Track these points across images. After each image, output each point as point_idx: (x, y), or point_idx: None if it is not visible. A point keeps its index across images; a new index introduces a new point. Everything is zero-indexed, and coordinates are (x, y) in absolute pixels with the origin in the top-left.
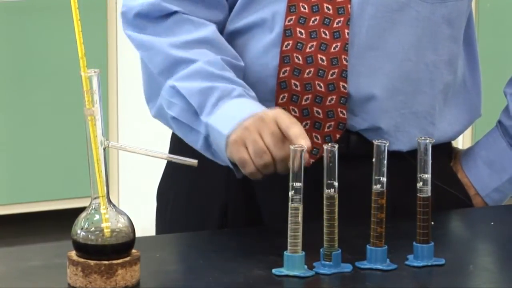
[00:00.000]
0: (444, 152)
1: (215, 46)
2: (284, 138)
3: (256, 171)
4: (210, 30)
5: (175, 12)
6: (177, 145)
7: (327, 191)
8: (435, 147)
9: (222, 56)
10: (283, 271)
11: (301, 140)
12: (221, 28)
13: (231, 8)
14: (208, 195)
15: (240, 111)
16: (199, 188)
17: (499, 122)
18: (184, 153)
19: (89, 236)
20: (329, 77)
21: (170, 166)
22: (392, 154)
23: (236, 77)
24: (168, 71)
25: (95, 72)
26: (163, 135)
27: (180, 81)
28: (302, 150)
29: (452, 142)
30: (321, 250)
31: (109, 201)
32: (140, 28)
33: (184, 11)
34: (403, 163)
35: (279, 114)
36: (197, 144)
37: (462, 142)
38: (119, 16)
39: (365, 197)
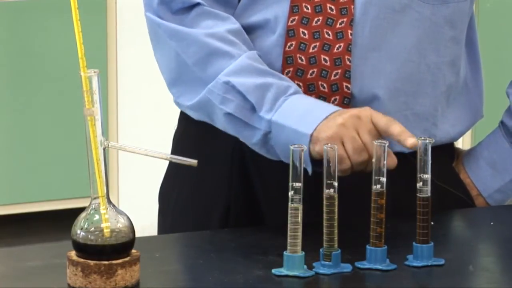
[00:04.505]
0: (446, 153)
1: (244, 40)
2: (379, 136)
3: (350, 167)
4: (235, 23)
5: (198, 4)
6: (179, 145)
7: (327, 191)
8: (437, 148)
9: (252, 50)
10: (282, 271)
11: (405, 135)
12: None
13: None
14: (210, 196)
15: (312, 108)
16: (202, 189)
17: (502, 122)
18: (186, 153)
19: (89, 236)
20: (332, 77)
21: (172, 167)
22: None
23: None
24: (204, 61)
25: (94, 72)
26: (162, 135)
27: (234, 77)
28: (302, 150)
29: (454, 143)
30: (320, 250)
31: (109, 201)
32: (164, 19)
33: (205, 3)
34: (406, 164)
35: (374, 113)
36: (252, 139)
37: (462, 143)
38: (119, 16)
39: (368, 196)
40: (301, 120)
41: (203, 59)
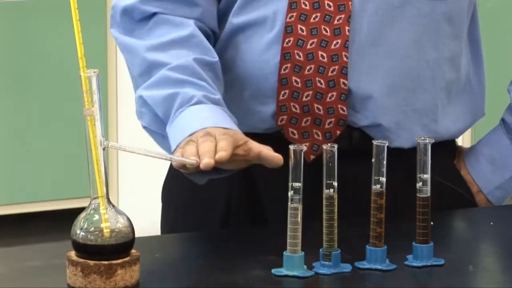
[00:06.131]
0: (448, 150)
1: (192, 45)
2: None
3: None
4: (186, 28)
5: (155, 14)
6: None
7: (326, 191)
8: (438, 144)
9: (195, 55)
10: (282, 271)
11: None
12: (205, 22)
13: (231, 3)
14: (211, 191)
15: (189, 123)
16: (203, 186)
17: (503, 120)
18: None
19: (89, 236)
20: (330, 73)
21: None
22: (394, 151)
23: (207, 76)
24: (145, 75)
25: (94, 72)
26: None
27: (146, 90)
28: (302, 150)
29: (456, 140)
30: (320, 250)
31: (109, 201)
32: (127, 30)
33: (164, 11)
34: (405, 160)
35: (219, 131)
36: (171, 151)
37: (462, 141)
38: None
39: (367, 194)
40: (176, 136)
41: (145, 71)
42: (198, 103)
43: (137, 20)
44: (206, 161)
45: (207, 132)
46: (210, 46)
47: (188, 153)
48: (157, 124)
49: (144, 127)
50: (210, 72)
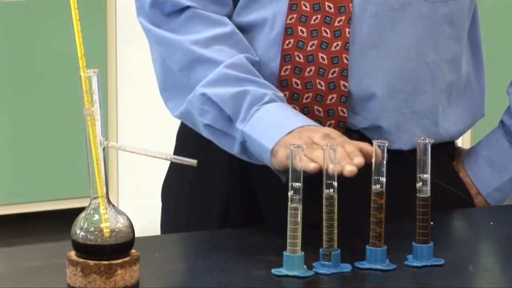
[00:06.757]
0: (447, 151)
1: (233, 42)
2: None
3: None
4: (226, 25)
5: (188, 7)
6: (181, 140)
7: (326, 191)
8: (438, 146)
9: (241, 53)
10: (282, 271)
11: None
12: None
13: (235, 3)
14: (210, 190)
15: (279, 122)
16: (202, 183)
17: (501, 122)
18: (187, 148)
19: (89, 236)
20: (330, 75)
21: (174, 163)
22: (393, 153)
23: (260, 76)
24: (188, 68)
25: (94, 72)
26: (162, 135)
27: (209, 88)
28: (302, 150)
29: (455, 141)
30: (320, 250)
31: (109, 201)
32: (156, 23)
33: (195, 5)
34: (404, 162)
35: (330, 130)
36: (233, 149)
37: (462, 142)
38: (118, 16)
39: (367, 194)
40: (266, 133)
41: (187, 66)
42: (271, 101)
43: (166, 13)
44: (351, 169)
45: (326, 134)
46: (249, 45)
47: (321, 159)
48: (222, 122)
49: (205, 125)
50: (257, 69)
